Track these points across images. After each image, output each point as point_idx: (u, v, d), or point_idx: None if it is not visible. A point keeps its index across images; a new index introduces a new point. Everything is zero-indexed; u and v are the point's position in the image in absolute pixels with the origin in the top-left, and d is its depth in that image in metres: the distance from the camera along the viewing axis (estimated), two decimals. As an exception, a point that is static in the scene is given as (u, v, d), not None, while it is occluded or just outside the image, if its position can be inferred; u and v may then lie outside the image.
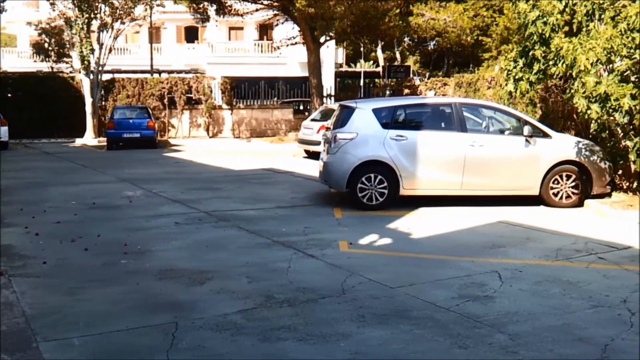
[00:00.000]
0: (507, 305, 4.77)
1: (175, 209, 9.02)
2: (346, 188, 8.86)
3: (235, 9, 23.58)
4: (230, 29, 39.61)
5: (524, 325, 4.35)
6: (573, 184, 8.87)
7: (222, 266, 5.88)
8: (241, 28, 39.02)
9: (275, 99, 27.59)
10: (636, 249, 6.51)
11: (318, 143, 12.83)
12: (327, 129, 9.97)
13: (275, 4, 22.45)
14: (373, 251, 6.60)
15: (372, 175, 8.73)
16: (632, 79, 8.46)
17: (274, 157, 17.29)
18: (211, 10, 23.29)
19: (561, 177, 8.86)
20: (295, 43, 24.63)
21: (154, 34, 34.90)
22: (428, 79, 29.17)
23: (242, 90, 26.37)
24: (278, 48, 25.95)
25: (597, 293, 5.06)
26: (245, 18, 26.25)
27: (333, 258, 6.19)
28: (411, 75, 31.77)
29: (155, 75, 26.52)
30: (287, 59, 33.73)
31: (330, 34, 23.07)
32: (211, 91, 25.12)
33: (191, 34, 39.56)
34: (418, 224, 7.82)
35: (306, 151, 16.95)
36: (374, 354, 3.89)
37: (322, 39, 23.00)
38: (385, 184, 8.72)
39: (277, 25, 27.03)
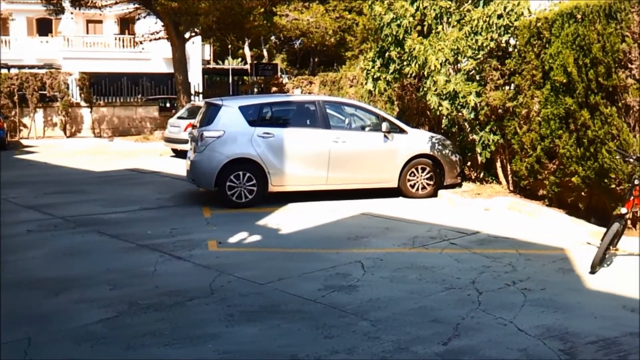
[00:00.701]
0: (369, 293, 5.02)
1: (28, 215, 8.36)
2: (215, 186, 8.78)
3: (92, 1, 22.27)
4: (88, 22, 37.27)
5: (385, 311, 4.61)
6: (428, 175, 9.52)
7: (82, 274, 5.57)
8: (100, 21, 36.87)
9: (139, 95, 26.45)
10: (484, 234, 7.15)
11: (186, 141, 12.54)
12: (194, 127, 9.78)
13: (135, -4, 21.56)
14: (242, 249, 6.61)
15: (241, 173, 8.72)
16: (477, 78, 9.27)
17: (139, 156, 16.59)
18: (66, 1, 21.79)
19: (417, 169, 9.47)
20: (159, 38, 23.78)
21: (1, 25, 31.90)
22: (295, 77, 29.63)
23: (102, 86, 24.92)
24: (141, 43, 24.89)
25: (450, 276, 5.48)
26: (104, 11, 24.89)
27: (201, 259, 6.11)
28: (279, 74, 32.07)
29: (4, 71, 24.22)
30: (151, 54, 32.45)
31: (196, 29, 22.60)
32: (68, 87, 23.43)
33: (44, 27, 36.62)
34: (287, 220, 7.95)
35: (173, 150, 16.47)
36: (243, 352, 3.92)
37: (187, 35, 22.46)
38: (254, 181, 8.76)
39: (139, 19, 25.91)
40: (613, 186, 6.44)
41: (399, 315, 4.53)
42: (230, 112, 9.00)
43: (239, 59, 43.15)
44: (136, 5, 22.89)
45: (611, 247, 5.67)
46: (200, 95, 25.45)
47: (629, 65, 6.21)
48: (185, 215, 8.40)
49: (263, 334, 4.19)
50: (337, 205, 8.92)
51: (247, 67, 35.10)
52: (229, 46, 36.16)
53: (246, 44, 36.38)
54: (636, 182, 5.62)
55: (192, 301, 4.83)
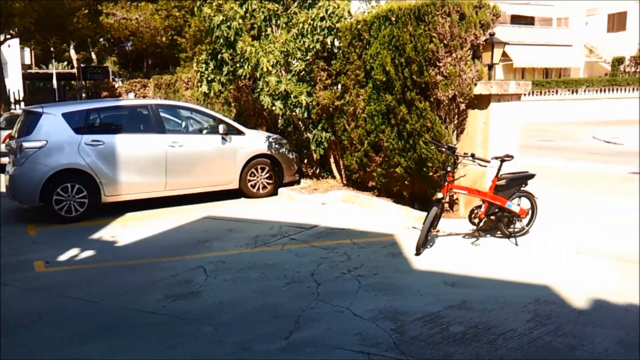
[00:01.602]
0: (212, 298, 5.01)
1: None
2: (40, 202, 8.12)
3: None
4: None
5: (229, 314, 4.65)
6: (267, 175, 9.70)
7: None
8: None
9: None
10: (322, 227, 7.47)
11: (5, 154, 11.41)
12: (12, 137, 8.95)
13: None
14: (74, 266, 6.19)
15: (69, 184, 8.17)
16: (307, 78, 9.63)
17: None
18: None
19: (257, 169, 9.61)
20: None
21: None
22: (128, 80, 28.28)
23: None
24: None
25: (291, 271, 5.67)
26: None
27: (27, 282, 5.63)
28: (110, 77, 30.39)
29: None
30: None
31: (11, 31, 20.59)
32: None
33: None
34: (124, 231, 7.61)
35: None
36: (77, 376, 3.70)
37: (1, 37, 20.37)
38: (85, 192, 8.26)
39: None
40: (431, 174, 7.09)
41: (242, 316, 4.59)
42: (53, 119, 8.38)
43: (65, 63, 40.07)
44: None
45: (432, 229, 6.26)
46: (22, 103, 23.26)
47: (438, 64, 6.86)
48: (7, 236, 7.65)
49: (101, 355, 4.00)
50: (178, 211, 8.74)
51: (74, 70, 32.75)
52: (52, 49, 33.42)
53: (72, 46, 33.92)
54: (448, 169, 6.26)
55: (17, 329, 4.45)
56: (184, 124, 9.83)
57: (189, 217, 8.28)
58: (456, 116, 7.17)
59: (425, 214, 6.30)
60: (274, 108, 9.31)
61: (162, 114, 9.20)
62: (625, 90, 32.84)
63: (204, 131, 9.52)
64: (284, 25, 9.98)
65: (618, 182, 10.87)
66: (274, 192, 9.77)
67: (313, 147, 9.65)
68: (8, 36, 20.87)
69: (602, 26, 43.28)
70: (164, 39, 24.04)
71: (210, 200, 9.30)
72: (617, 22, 42.72)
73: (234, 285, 5.35)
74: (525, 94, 7.32)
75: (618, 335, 4.01)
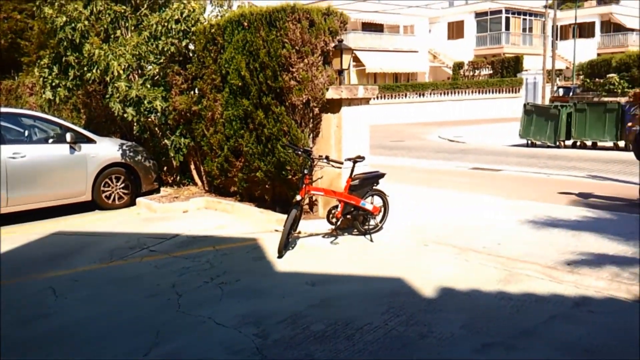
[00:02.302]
0: (64, 319, 4.69)
1: None
2: None
3: None
4: None
5: (83, 334, 4.37)
6: (123, 184, 9.27)
7: None
8: None
9: None
10: (183, 236, 7.30)
11: None
12: None
13: None
14: None
15: None
16: (163, 82, 9.35)
17: None
18: None
19: (111, 179, 9.14)
20: None
21: None
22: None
23: None
24: None
25: (150, 284, 5.47)
26: None
27: None
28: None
29: None
30: None
31: None
32: None
33: None
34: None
35: None
36: None
37: None
38: None
39: None
40: (290, 177, 7.24)
41: (98, 335, 4.35)
42: None
43: None
44: None
45: (293, 231, 6.40)
46: None
47: (291, 69, 7.02)
48: None
49: None
50: (24, 228, 8.04)
51: None
52: None
53: None
54: (306, 171, 6.44)
55: None
56: (26, 133, 9.06)
57: (35, 235, 7.65)
58: (311, 120, 7.39)
59: (286, 216, 6.41)
60: (125, 115, 8.92)
61: (1, 123, 8.41)
62: (464, 92, 35.94)
63: (50, 140, 8.86)
64: (133, 28, 9.61)
65: (460, 177, 11.89)
66: (131, 203, 9.36)
67: (172, 154, 9.40)
68: None
69: (444, 34, 47.05)
70: (2, 41, 21.94)
71: (61, 215, 8.68)
72: (455, 30, 46.70)
73: (88, 303, 5.04)
74: (374, 98, 7.74)
75: (462, 319, 4.39)
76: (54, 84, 9.62)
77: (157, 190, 9.90)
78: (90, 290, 5.38)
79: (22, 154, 8.24)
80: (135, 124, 9.76)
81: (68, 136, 8.68)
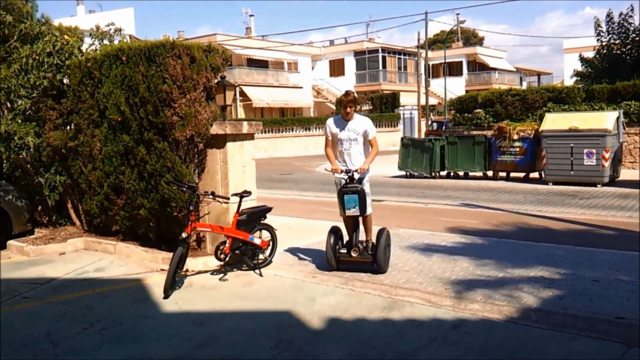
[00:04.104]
0: None
1: None
2: None
3: None
4: None
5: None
6: (-8, 226, 8.56)
7: None
8: None
9: None
10: (60, 280, 6.85)
11: None
12: None
13: None
14: None
15: None
16: (36, 117, 8.83)
17: None
18: None
19: (-24, 222, 8.41)
20: None
21: None
22: None
23: None
24: None
25: (21, 334, 5.03)
26: None
27: None
28: None
29: None
30: None
31: None
32: None
33: None
34: None
35: None
36: None
37: None
38: None
39: None
40: (175, 214, 7.09)
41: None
42: None
43: None
44: None
45: (179, 269, 6.24)
46: None
47: (173, 104, 6.93)
48: None
49: None
50: None
51: None
52: None
53: None
54: (191, 208, 6.34)
55: None
56: None
57: None
58: (196, 155, 7.32)
59: (172, 254, 6.25)
60: (-6, 152, 8.31)
61: None
62: (348, 126, 37.26)
63: None
64: (1, 60, 9.05)
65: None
66: (1, 246, 8.63)
67: (47, 193, 8.86)
68: None
69: (326, 71, 48.79)
70: None
71: None
72: (337, 67, 48.61)
73: None
74: (259, 132, 7.84)
75: (349, 347, 4.51)
76: None
77: (31, 232, 9.23)
78: (-50, 345, 4.86)
79: None
80: (5, 161, 9.11)
81: None
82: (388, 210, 11.78)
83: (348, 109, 6.40)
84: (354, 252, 6.50)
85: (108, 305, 5.78)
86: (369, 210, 6.50)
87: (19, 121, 8.61)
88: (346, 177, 6.42)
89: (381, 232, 6.58)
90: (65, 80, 8.84)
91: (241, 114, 38.26)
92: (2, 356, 4.60)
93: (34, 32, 9.38)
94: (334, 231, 6.70)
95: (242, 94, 38.27)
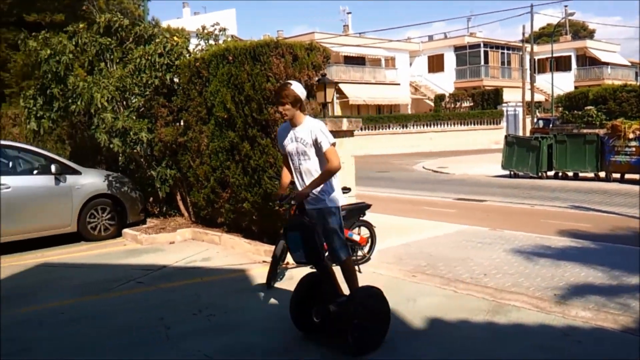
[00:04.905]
0: (50, 354, 4.59)
1: None
2: None
3: None
4: None
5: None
6: (109, 215, 9.21)
7: None
8: None
9: None
10: (170, 267, 7.25)
11: None
12: None
13: None
14: None
15: None
16: (148, 114, 9.39)
17: None
18: None
19: (97, 210, 9.08)
20: None
21: None
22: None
23: None
24: None
25: (137, 316, 5.38)
26: None
27: None
28: None
29: None
30: None
31: None
32: None
33: None
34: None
35: None
36: None
37: None
38: None
39: None
40: (277, 208, 7.25)
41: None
42: None
43: None
44: None
45: (281, 262, 6.38)
46: None
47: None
48: None
49: None
50: (7, 260, 7.91)
51: None
52: None
53: None
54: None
55: None
56: (10, 164, 8.99)
57: (20, 266, 7.54)
58: (298, 152, 7.43)
59: (274, 247, 6.40)
60: (112, 146, 8.93)
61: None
62: (447, 124, 36.47)
63: (35, 171, 8.80)
64: (118, 60, 9.69)
65: (445, 208, 12.00)
66: (117, 234, 9.29)
67: (158, 185, 9.38)
68: None
69: (424, 67, 47.92)
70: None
71: (46, 246, 8.57)
72: (436, 63, 47.61)
73: (72, 338, 4.95)
74: (357, 130, 7.83)
75: (451, 349, 4.39)
76: (38, 115, 9.62)
77: (144, 222, 9.84)
78: (75, 324, 5.28)
79: (7, 185, 8.17)
80: (120, 155, 9.78)
81: (53, 167, 8.64)
82: (491, 212, 11.39)
83: (281, 109, 4.43)
84: (315, 316, 4.52)
85: (214, 294, 6.03)
86: (342, 256, 4.54)
87: (134, 118, 9.18)
88: (292, 205, 4.61)
89: (358, 293, 4.51)
90: (175, 79, 9.32)
91: (337, 111, 38.53)
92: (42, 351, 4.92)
93: (147, 34, 9.97)
94: (304, 281, 4.87)
95: (339, 91, 38.52)
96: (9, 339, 4.95)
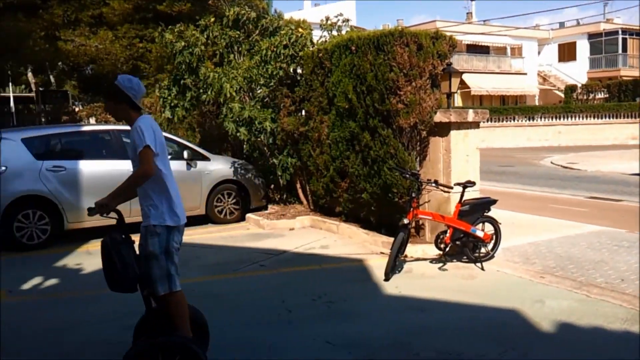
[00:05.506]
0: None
1: None
2: (0, 229, 7.89)
3: None
4: None
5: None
6: (234, 200, 9.66)
7: None
8: None
9: None
10: (290, 253, 7.46)
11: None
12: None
13: None
14: (37, 296, 6.00)
15: (30, 211, 7.99)
16: (272, 104, 9.69)
17: None
18: None
19: (223, 195, 9.56)
20: None
21: None
22: (88, 104, 27.82)
23: None
24: None
25: (261, 297, 5.63)
26: None
27: (-15, 314, 5.42)
28: (70, 101, 29.88)
29: None
30: None
31: (-37, 54, 20.06)
32: None
33: None
34: (88, 259, 7.41)
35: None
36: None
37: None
38: (47, 219, 8.09)
39: None
40: (396, 200, 7.18)
41: (214, 344, 4.51)
42: (12, 145, 8.18)
43: (23, 86, 39.11)
44: None
45: (399, 254, 6.33)
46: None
47: (398, 92, 7.00)
48: (-38, 266, 7.37)
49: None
50: (141, 238, 8.57)
51: (33, 94, 32.00)
52: (9, 72, 32.59)
53: (29, 69, 33.22)
54: (413, 195, 6.36)
55: (-24, 365, 4.28)
56: (146, 150, 9.70)
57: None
58: (418, 143, 7.31)
59: (392, 239, 6.36)
60: (238, 134, 9.33)
61: (124, 140, 9.08)
62: (578, 117, 34.05)
63: (168, 157, 9.40)
64: (245, 52, 10.07)
65: (576, 206, 11.23)
66: (241, 218, 9.73)
67: (279, 173, 9.67)
68: (-40, 59, 20.39)
69: (554, 55, 45.03)
70: (124, 67, 23.85)
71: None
72: (567, 52, 44.55)
73: (204, 312, 5.25)
74: (483, 121, 7.53)
75: (583, 356, 4.10)
76: (172, 104, 10.28)
77: (265, 207, 10.22)
78: (205, 300, 5.58)
79: (144, 169, 8.81)
80: (245, 143, 10.20)
81: (185, 153, 9.21)
82: (628, 213, 10.48)
83: (107, 107, 3.92)
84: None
85: (333, 281, 6.12)
86: (159, 289, 3.68)
87: (258, 107, 9.51)
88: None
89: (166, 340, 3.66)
90: (299, 70, 9.52)
91: (458, 101, 37.40)
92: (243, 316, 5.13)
93: (272, 27, 10.26)
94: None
95: (461, 81, 37.33)
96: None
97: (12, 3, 19.08)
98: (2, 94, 34.94)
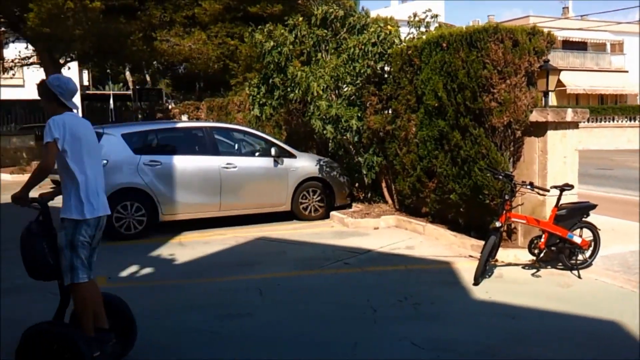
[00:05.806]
0: (266, 319, 5.01)
1: None
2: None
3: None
4: (-54, 46, 34.12)
5: (284, 336, 4.63)
6: (319, 198, 9.74)
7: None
8: (-40, 46, 33.88)
9: (13, 124, 24.59)
10: (375, 252, 7.42)
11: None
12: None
13: (2, 19, 20.11)
14: (135, 283, 6.33)
15: (128, 203, 8.43)
16: (358, 102, 9.67)
17: (14, 189, 15.32)
18: None
19: (308, 192, 9.67)
20: (31, 63, 22.34)
21: None
22: (181, 102, 29.06)
23: (-33, 116, 23.03)
24: (11, 69, 23.25)
25: (346, 296, 5.62)
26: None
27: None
28: (164, 99, 31.35)
29: None
30: (25, 80, 30.39)
31: (71, 55, 21.53)
32: None
33: None
34: (180, 250, 7.74)
35: (53, 181, 15.39)
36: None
37: (61, 60, 21.31)
38: (143, 211, 8.51)
39: (7, 43, 24.14)
40: (487, 201, 6.95)
41: (297, 337, 4.57)
42: (113, 140, 8.68)
43: (121, 84, 41.50)
44: (2, 29, 21.37)
45: (490, 258, 6.12)
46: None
47: (492, 90, 6.76)
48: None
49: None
50: (232, 231, 8.83)
51: (130, 92, 33.90)
52: (108, 71, 34.69)
53: (127, 68, 35.18)
54: (506, 197, 6.13)
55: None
56: (236, 146, 10.00)
57: (242, 238, 8.36)
58: (512, 143, 7.04)
59: (482, 242, 6.18)
60: (325, 132, 9.39)
61: (216, 136, 9.40)
62: (684, 117, 31.54)
63: (256, 153, 9.66)
64: (333, 51, 10.11)
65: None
66: (325, 215, 9.79)
67: (364, 172, 9.64)
68: (68, 59, 21.83)
69: (660, 51, 41.92)
70: (215, 66, 24.71)
71: (263, 222, 9.38)
72: (676, 46, 41.30)
73: (288, 307, 5.34)
74: (583, 121, 7.14)
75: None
76: (261, 102, 10.53)
77: (349, 206, 10.22)
78: (290, 295, 5.69)
79: (234, 164, 9.10)
80: (331, 141, 10.26)
81: (273, 150, 9.39)
82: None
83: (41, 104, 4.12)
84: None
85: (419, 283, 6.02)
86: (66, 279, 3.84)
87: (345, 105, 9.52)
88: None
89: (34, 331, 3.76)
90: (386, 68, 9.43)
91: (553, 100, 35.72)
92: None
93: (359, 25, 10.23)
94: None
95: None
96: (234, 302, 5.49)
97: (114, 6, 20.21)
98: (103, 92, 37.23)
